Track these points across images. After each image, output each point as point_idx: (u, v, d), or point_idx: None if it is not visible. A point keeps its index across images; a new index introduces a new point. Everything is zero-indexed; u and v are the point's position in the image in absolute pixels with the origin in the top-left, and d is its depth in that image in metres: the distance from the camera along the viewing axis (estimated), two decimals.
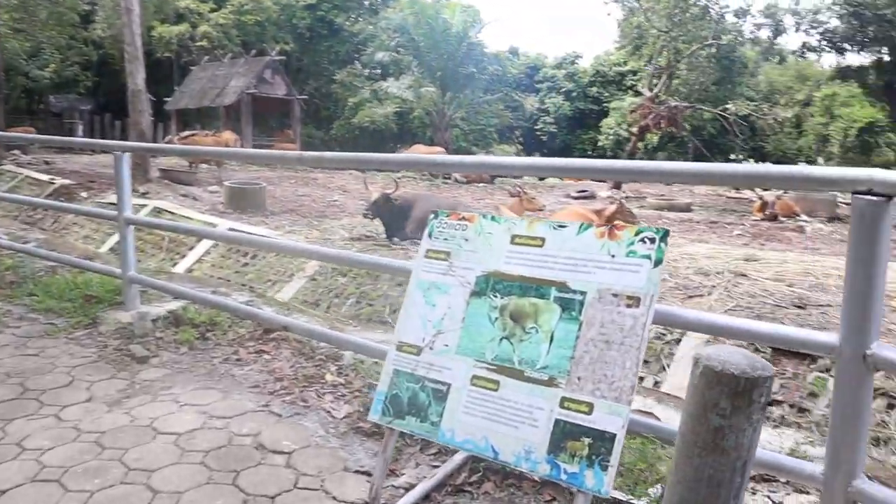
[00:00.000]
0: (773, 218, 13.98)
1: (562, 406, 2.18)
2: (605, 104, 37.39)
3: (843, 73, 16.47)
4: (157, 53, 30.72)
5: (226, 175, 19.53)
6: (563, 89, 38.42)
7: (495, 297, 2.40)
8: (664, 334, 6.54)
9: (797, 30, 15.88)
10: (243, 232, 10.50)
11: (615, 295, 2.26)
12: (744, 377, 1.56)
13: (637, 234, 2.30)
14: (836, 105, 33.84)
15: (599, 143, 36.44)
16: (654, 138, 31.97)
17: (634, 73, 37.30)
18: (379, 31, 32.51)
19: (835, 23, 14.89)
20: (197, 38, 30.44)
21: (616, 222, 10.68)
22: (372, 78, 35.33)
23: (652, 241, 2.25)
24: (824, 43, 15.57)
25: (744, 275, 7.94)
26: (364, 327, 7.76)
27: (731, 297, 7.05)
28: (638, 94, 36.24)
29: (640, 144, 19.79)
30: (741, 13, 16.76)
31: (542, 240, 2.34)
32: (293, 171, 23.19)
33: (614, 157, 36.17)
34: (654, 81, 19.54)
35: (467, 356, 2.43)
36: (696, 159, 33.18)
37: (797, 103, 31.22)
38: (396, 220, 9.64)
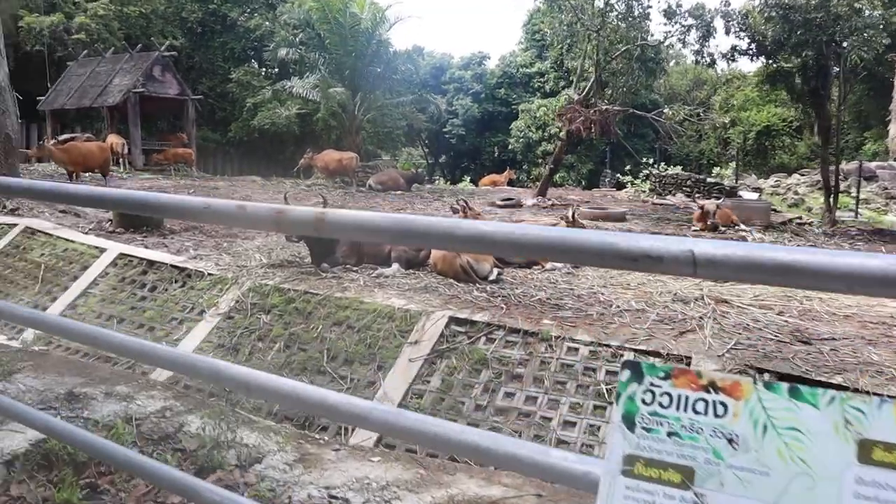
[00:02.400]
0: (714, 228, 13.49)
1: None
2: (513, 106, 36.84)
3: (773, 78, 16.29)
4: (27, 46, 27.65)
5: (113, 184, 17.44)
6: (472, 91, 37.59)
7: None
8: None
9: (727, 33, 15.53)
10: (136, 257, 8.88)
11: None
12: None
13: None
14: (733, 109, 34.64)
15: (509, 147, 35.86)
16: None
17: (542, 74, 37.00)
18: (278, 26, 30.64)
19: (763, 27, 14.58)
20: (73, 30, 27.57)
21: None
22: (271, 77, 33.35)
23: None
24: (754, 46, 15.27)
25: (725, 301, 7.13)
26: (296, 378, 6.42)
27: (724, 331, 6.20)
28: (546, 95, 36.03)
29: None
30: (670, 13, 16.26)
31: None
32: (191, 179, 21.20)
33: (524, 160, 35.76)
34: (582, 83, 18.84)
35: None
36: (605, 162, 33.18)
37: (697, 107, 31.73)
38: (325, 242, 8.29)
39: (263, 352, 6.78)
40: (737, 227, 14.07)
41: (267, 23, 32.16)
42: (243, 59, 34.24)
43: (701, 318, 6.50)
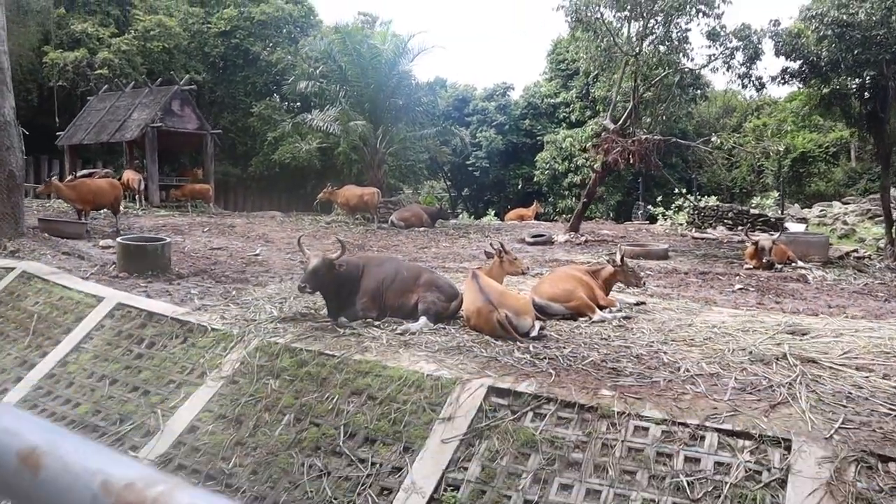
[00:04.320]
0: (770, 266, 12.37)
1: None
2: (538, 137, 35.95)
3: (827, 101, 15.22)
4: (51, 82, 27.39)
5: (126, 222, 16.75)
6: (495, 122, 36.78)
7: None
8: (758, 472, 4.51)
9: (777, 54, 14.56)
10: (135, 308, 7.99)
11: None
12: None
13: None
14: (766, 136, 33.50)
15: (535, 178, 34.91)
16: (588, 172, 30.62)
17: (567, 104, 36.13)
18: (300, 60, 30.16)
19: (815, 47, 13.61)
20: (96, 65, 27.25)
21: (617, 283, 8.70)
22: (292, 111, 32.87)
23: None
24: (806, 68, 14.27)
25: (812, 360, 6.04)
26: (308, 460, 5.42)
27: (823, 401, 5.12)
28: (572, 126, 35.12)
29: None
30: (714, 35, 15.34)
31: None
32: (208, 215, 20.47)
33: (550, 192, 34.77)
34: (616, 112, 17.87)
35: None
36: (638, 194, 32.10)
37: (730, 134, 30.65)
38: (343, 292, 7.34)
39: (270, 425, 5.80)
40: (794, 265, 12.94)
41: (289, 56, 31.75)
42: (265, 93, 33.80)
43: (790, 384, 5.43)
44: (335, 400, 5.80)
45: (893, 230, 15.06)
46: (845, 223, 21.63)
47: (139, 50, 29.42)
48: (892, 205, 15.18)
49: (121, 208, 15.82)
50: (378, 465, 5.17)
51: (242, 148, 33.21)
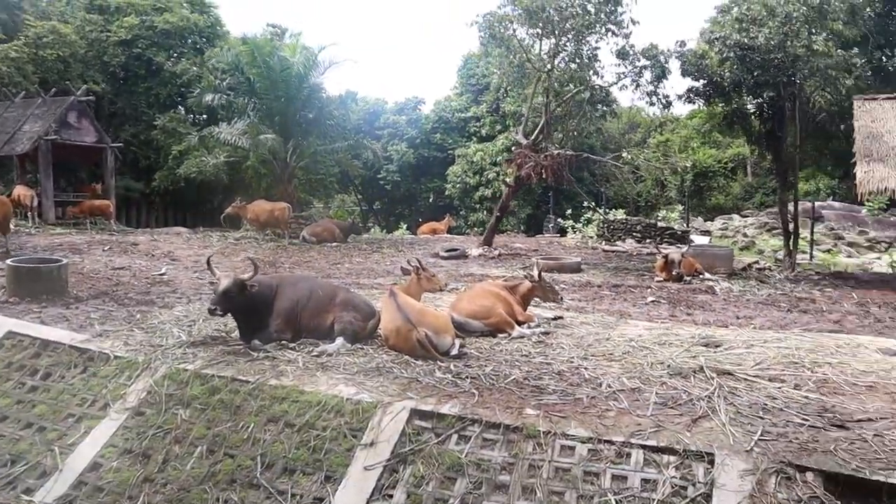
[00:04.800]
0: (679, 278, 12.74)
1: None
2: (449, 151, 36.16)
3: (729, 120, 15.92)
4: None
5: (18, 241, 15.70)
6: (406, 136, 36.73)
7: None
8: (684, 487, 4.54)
9: (684, 74, 15.15)
10: (28, 335, 7.42)
11: None
12: None
13: None
14: (673, 152, 34.86)
15: (446, 192, 35.05)
16: (500, 185, 31.00)
17: (478, 119, 36.51)
18: (206, 71, 29.24)
19: (718, 68, 14.26)
20: None
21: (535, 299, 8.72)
22: (198, 123, 31.81)
23: None
24: (710, 88, 14.91)
25: (728, 372, 6.20)
26: (224, 494, 5.11)
27: (742, 414, 5.23)
28: (482, 140, 35.51)
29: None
30: (623, 53, 15.82)
31: None
32: (108, 233, 19.45)
33: (461, 205, 34.99)
34: (528, 127, 18.10)
35: None
36: (549, 208, 32.70)
37: (640, 150, 31.72)
38: (256, 314, 7.04)
39: (181, 459, 5.46)
40: (702, 277, 13.39)
41: (195, 68, 30.71)
42: (169, 105, 32.51)
43: (709, 397, 5.53)
44: (250, 429, 5.52)
45: (790, 243, 15.85)
46: (745, 235, 22.69)
47: (31, 58, 27.77)
48: (788, 219, 15.97)
49: (10, 227, 14.79)
50: (298, 497, 4.93)
51: (146, 162, 31.86)
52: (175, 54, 32.31)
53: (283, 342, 7.01)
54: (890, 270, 18.03)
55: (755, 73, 13.75)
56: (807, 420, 5.11)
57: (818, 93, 14.07)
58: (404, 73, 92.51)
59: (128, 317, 8.37)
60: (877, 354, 7.00)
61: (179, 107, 33.32)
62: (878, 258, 20.99)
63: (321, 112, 24.30)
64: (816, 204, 23.33)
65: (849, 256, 21.20)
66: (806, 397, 5.63)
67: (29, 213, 20.15)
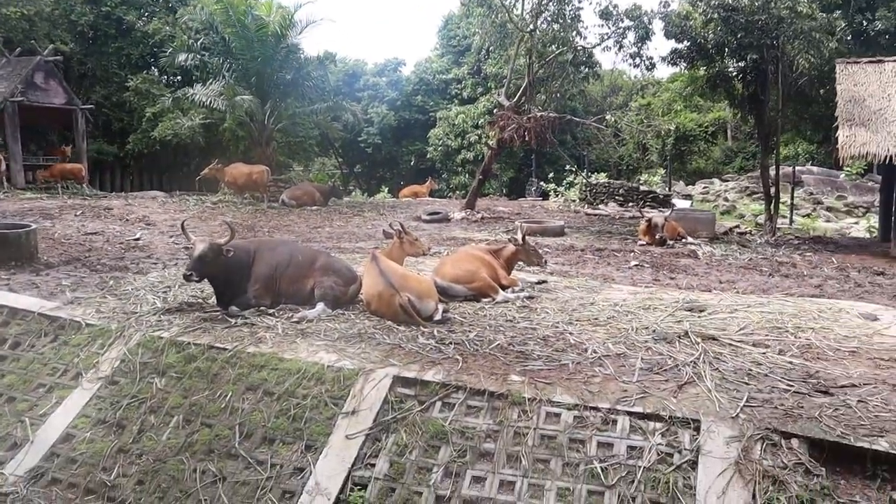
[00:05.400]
0: (662, 242, 12.68)
1: None
2: (430, 113, 35.66)
3: (713, 82, 15.72)
4: None
5: None
6: (387, 98, 36.16)
7: None
8: (670, 454, 4.48)
9: (667, 36, 14.90)
10: None
11: None
12: None
13: None
14: (656, 115, 34.70)
15: (428, 155, 34.66)
16: (482, 148, 30.71)
17: (459, 80, 36.00)
18: (179, 31, 28.41)
19: (703, 29, 14.03)
20: None
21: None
22: (172, 85, 31.00)
23: None
24: (695, 49, 14.67)
25: (712, 337, 6.13)
26: (201, 465, 4.97)
27: (727, 380, 5.16)
28: (464, 102, 35.06)
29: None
30: (606, 14, 15.50)
31: None
32: (81, 197, 19.00)
33: (443, 168, 34.67)
34: (512, 88, 17.77)
35: None
36: (531, 171, 32.50)
37: (623, 112, 31.50)
38: (233, 279, 6.85)
39: (157, 429, 5.31)
40: (684, 241, 13.34)
41: (167, 27, 29.80)
42: (142, 66, 31.59)
43: (694, 363, 5.46)
44: (228, 397, 5.38)
45: (772, 207, 15.82)
46: (726, 199, 22.68)
47: None
48: (770, 183, 15.92)
49: None
50: (278, 467, 4.82)
51: (118, 124, 31.08)
52: (146, 13, 31.41)
53: (262, 308, 6.85)
54: (867, 235, 18.12)
55: (739, 35, 13.56)
56: (791, 386, 5.06)
57: (801, 55, 13.92)
58: (384, 34, 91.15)
59: (100, 283, 8.14)
60: (858, 319, 6.98)
61: (153, 67, 32.45)
62: (856, 223, 21.12)
63: (299, 73, 23.76)
64: (796, 168, 23.32)
65: (827, 221, 21.33)
66: (790, 363, 5.59)
67: None
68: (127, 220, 14.81)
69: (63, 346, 6.36)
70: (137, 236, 12.47)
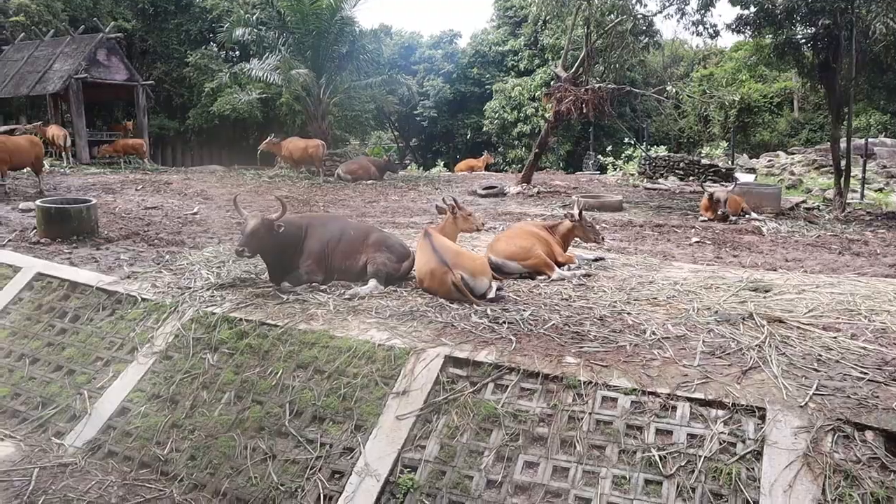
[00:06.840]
0: (725, 218, 12.22)
1: None
2: (486, 86, 35.27)
3: (780, 50, 14.96)
4: None
5: (53, 182, 15.71)
6: (443, 71, 35.92)
7: None
8: (733, 444, 4.25)
9: (733, 3, 14.24)
10: (56, 278, 7.30)
11: None
12: None
13: None
14: (713, 86, 33.54)
15: (484, 129, 34.35)
16: (539, 121, 30.22)
17: (515, 52, 35.46)
18: (236, 5, 28.65)
19: None
20: (10, 11, 25.36)
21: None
22: (230, 60, 31.38)
23: None
24: (762, 16, 13.97)
25: (779, 320, 5.81)
26: (251, 442, 4.97)
27: (794, 365, 4.88)
28: (520, 74, 34.51)
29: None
30: None
31: None
32: (142, 172, 19.41)
33: (499, 142, 34.31)
34: (570, 60, 17.33)
35: None
36: (588, 144, 31.87)
37: (685, 83, 30.55)
38: (285, 255, 6.81)
39: (209, 405, 5.32)
40: (748, 216, 12.83)
41: (224, 2, 30.14)
42: (200, 42, 32.11)
43: (759, 346, 5.18)
44: (279, 375, 5.35)
45: (842, 181, 15.05)
46: (792, 173, 21.79)
47: None
48: (840, 156, 15.14)
49: (44, 167, 14.77)
50: (328, 446, 4.76)
51: (179, 100, 31.71)
52: None
53: (314, 284, 6.79)
54: None
55: (810, 0, 12.80)
56: (866, 373, 4.73)
57: (879, 19, 13.06)
58: (440, 6, 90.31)
59: (157, 258, 8.23)
60: None
61: (211, 43, 32.93)
62: None
63: (354, 46, 23.69)
64: (868, 140, 22.17)
65: None
66: (864, 348, 5.23)
67: (62, 152, 20.17)
68: (185, 194, 15.04)
69: (120, 321, 6.44)
70: (195, 210, 12.64)
